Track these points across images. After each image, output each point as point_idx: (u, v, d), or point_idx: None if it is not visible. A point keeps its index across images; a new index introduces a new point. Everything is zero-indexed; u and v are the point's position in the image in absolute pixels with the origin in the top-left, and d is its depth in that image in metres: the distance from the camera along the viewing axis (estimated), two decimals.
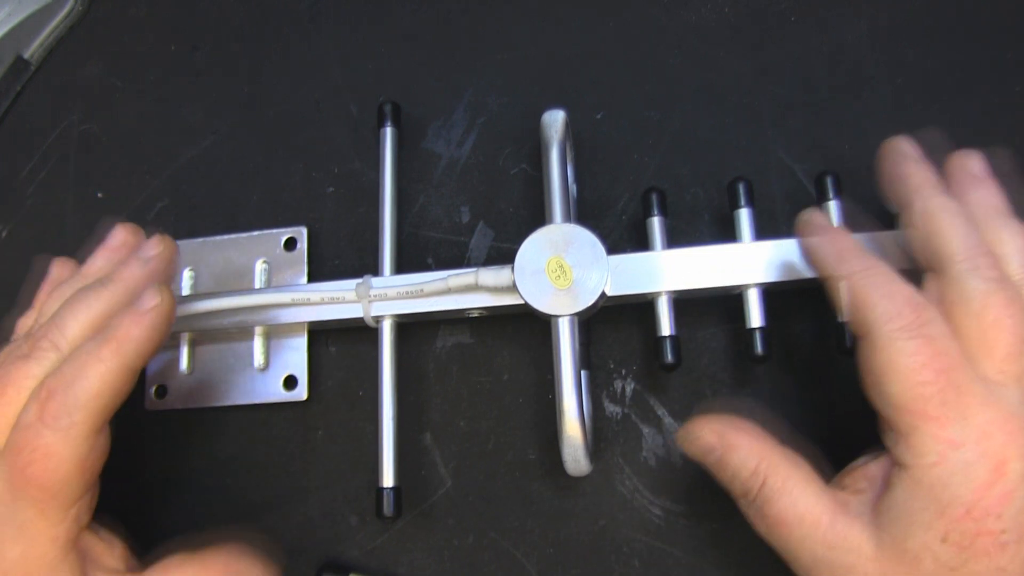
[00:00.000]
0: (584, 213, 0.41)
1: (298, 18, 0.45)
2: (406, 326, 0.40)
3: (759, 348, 0.35)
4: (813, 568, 0.29)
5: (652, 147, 0.41)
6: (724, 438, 0.31)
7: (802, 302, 0.38)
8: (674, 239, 0.38)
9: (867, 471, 0.30)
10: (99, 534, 0.33)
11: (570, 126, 0.39)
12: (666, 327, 0.36)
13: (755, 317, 0.36)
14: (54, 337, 0.32)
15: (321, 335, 0.41)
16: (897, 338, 0.28)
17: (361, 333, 0.40)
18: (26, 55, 0.46)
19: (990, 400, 0.27)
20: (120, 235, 0.37)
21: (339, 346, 0.41)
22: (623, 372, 0.39)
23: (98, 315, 0.33)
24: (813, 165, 0.40)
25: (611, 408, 0.39)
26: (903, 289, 0.29)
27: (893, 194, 0.31)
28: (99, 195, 0.44)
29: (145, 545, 0.38)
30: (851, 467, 0.31)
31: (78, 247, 0.44)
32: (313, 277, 0.42)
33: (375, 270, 0.39)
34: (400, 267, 0.40)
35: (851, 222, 0.36)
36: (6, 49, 0.45)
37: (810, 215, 0.33)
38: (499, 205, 0.42)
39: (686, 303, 0.37)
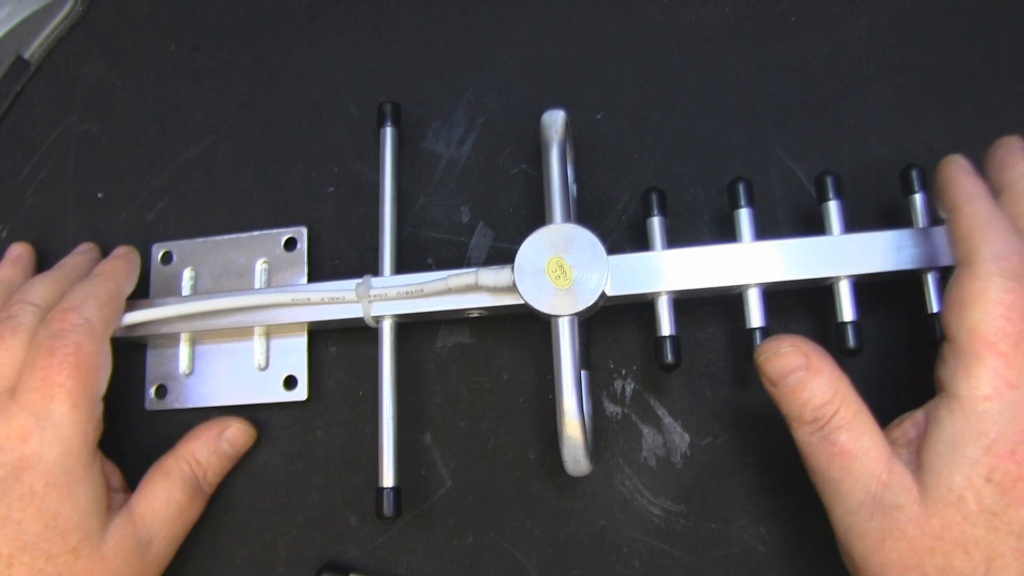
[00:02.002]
0: (584, 213, 0.41)
1: (298, 18, 0.45)
2: (406, 326, 0.40)
3: None
4: (860, 508, 0.30)
5: (652, 147, 0.41)
6: (811, 359, 0.31)
7: (803, 302, 0.38)
8: (674, 239, 0.38)
9: (914, 418, 0.31)
10: (107, 459, 0.38)
11: (570, 126, 0.39)
12: (666, 327, 0.36)
13: (755, 317, 0.36)
14: (26, 296, 0.37)
15: (321, 335, 0.41)
16: (999, 274, 0.29)
17: (361, 333, 0.40)
18: (26, 55, 0.46)
19: None
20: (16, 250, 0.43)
21: (339, 346, 0.41)
22: (623, 372, 0.39)
23: (61, 284, 0.38)
24: (813, 165, 0.40)
25: (611, 408, 0.39)
26: (1018, 243, 0.29)
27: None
28: (99, 195, 0.44)
29: None
30: (894, 422, 0.32)
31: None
32: (313, 277, 0.42)
33: (375, 270, 0.39)
34: (400, 267, 0.40)
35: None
36: (6, 49, 0.45)
37: (958, 157, 0.33)
38: (499, 205, 0.42)
39: (686, 303, 0.37)
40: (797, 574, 0.37)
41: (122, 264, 0.40)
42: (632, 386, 0.39)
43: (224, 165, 0.44)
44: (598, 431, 0.39)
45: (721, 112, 0.41)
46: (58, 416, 0.34)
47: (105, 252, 0.42)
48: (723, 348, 0.39)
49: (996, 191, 0.32)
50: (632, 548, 0.38)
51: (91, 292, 0.37)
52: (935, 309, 0.35)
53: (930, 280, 0.35)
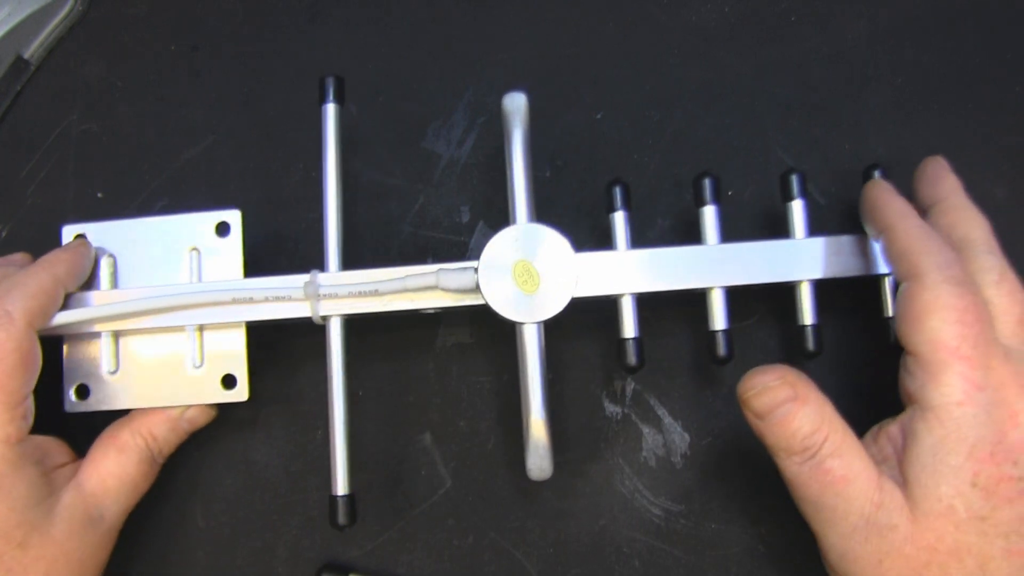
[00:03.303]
0: (584, 212, 0.41)
1: (298, 18, 0.45)
2: (406, 325, 0.40)
3: (722, 351, 0.35)
4: (855, 532, 0.29)
5: (652, 147, 0.41)
6: (797, 390, 0.31)
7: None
8: (674, 239, 0.38)
9: (889, 433, 0.31)
10: (47, 436, 0.36)
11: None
12: (630, 329, 0.35)
13: (719, 320, 0.35)
14: None
15: (318, 335, 0.41)
16: (947, 282, 0.29)
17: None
18: (26, 55, 0.46)
19: (1006, 358, 0.29)
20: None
21: None
22: (623, 372, 0.39)
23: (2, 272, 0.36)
24: (813, 165, 0.40)
25: (611, 408, 0.39)
26: (953, 252, 0.30)
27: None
28: (99, 195, 0.44)
29: (141, 549, 0.38)
30: (866, 438, 0.32)
31: None
32: None
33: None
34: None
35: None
36: (6, 49, 0.45)
37: (880, 179, 0.35)
38: (499, 205, 0.42)
39: (687, 302, 0.37)
40: (797, 574, 0.37)
41: (67, 256, 0.36)
42: (632, 386, 0.39)
43: (224, 165, 0.44)
44: (597, 431, 0.39)
45: (721, 112, 0.41)
46: None
47: None
48: None
49: (928, 204, 0.34)
50: (632, 548, 0.38)
51: (18, 283, 0.34)
52: (891, 313, 0.35)
53: (887, 284, 0.35)
